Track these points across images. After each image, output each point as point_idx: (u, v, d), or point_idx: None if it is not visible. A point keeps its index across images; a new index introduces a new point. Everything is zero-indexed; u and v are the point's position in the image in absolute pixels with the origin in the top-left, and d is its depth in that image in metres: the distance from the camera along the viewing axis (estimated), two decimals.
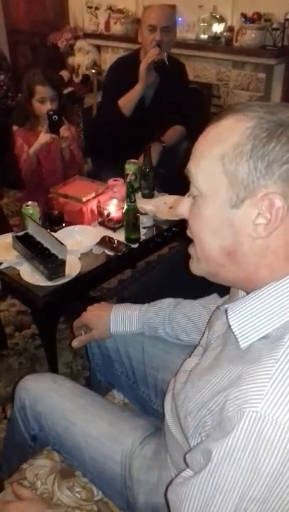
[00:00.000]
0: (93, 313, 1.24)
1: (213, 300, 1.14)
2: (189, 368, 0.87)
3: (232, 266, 0.70)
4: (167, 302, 1.19)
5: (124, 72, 2.47)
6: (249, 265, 0.69)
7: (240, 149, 0.64)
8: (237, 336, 0.68)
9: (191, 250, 0.77)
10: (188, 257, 0.79)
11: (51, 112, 2.15)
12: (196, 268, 0.77)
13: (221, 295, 1.15)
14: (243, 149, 0.64)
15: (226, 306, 0.72)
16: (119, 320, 1.19)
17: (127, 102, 2.44)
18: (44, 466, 1.06)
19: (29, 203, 1.82)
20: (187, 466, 0.71)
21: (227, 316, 0.70)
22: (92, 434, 1.02)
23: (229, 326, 0.69)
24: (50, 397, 1.09)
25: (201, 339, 0.95)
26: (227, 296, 1.04)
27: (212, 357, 0.76)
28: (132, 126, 2.48)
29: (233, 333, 0.68)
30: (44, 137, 2.20)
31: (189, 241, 0.78)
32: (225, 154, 0.65)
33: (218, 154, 0.66)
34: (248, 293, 0.72)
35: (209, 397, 0.68)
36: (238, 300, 0.71)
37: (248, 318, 0.67)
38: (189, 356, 0.96)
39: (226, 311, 0.71)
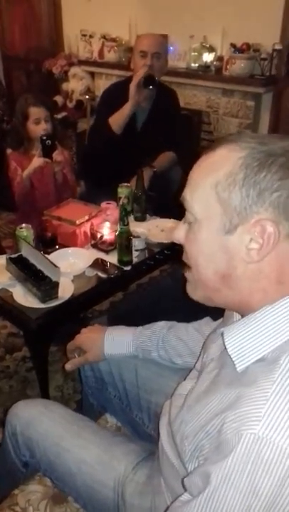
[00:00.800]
0: (87, 336, 1.24)
1: (206, 323, 1.16)
2: (185, 391, 0.88)
3: (227, 290, 0.73)
4: (161, 325, 1.20)
5: (117, 96, 2.53)
6: (243, 289, 0.71)
7: (233, 178, 0.67)
8: (233, 359, 0.69)
9: (187, 275, 0.79)
10: (184, 280, 0.80)
11: (44, 137, 2.19)
12: (193, 292, 0.79)
13: (214, 318, 1.16)
14: (235, 178, 0.67)
15: (222, 329, 0.73)
16: (113, 343, 1.19)
17: (117, 120, 2.49)
18: (36, 492, 1.05)
19: (23, 225, 1.84)
20: (185, 489, 0.71)
21: (223, 339, 0.71)
22: (85, 460, 1.01)
23: (225, 348, 0.70)
24: (41, 422, 1.08)
25: (196, 363, 0.96)
26: (220, 319, 1.05)
27: (208, 380, 0.77)
28: (124, 150, 2.53)
29: (229, 356, 0.69)
30: (37, 161, 2.23)
31: (182, 264, 0.80)
32: (218, 183, 0.68)
33: (212, 183, 0.69)
34: (243, 316, 0.73)
35: (206, 421, 0.68)
36: (233, 323, 0.72)
37: (243, 341, 0.68)
38: (184, 379, 0.96)
39: (222, 334, 0.72)
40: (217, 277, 0.72)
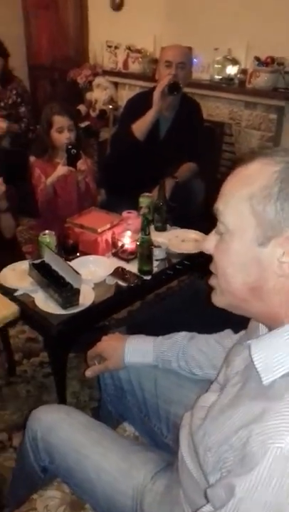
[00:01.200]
0: (108, 344, 1.25)
1: (227, 335, 1.16)
2: (207, 403, 0.88)
3: (256, 301, 0.73)
4: (181, 335, 1.20)
5: (141, 105, 2.56)
6: (272, 302, 0.71)
7: (268, 191, 0.68)
8: (260, 372, 0.69)
9: (212, 282, 0.80)
10: (209, 288, 0.81)
11: (70, 146, 2.23)
12: (219, 300, 0.80)
13: (235, 331, 1.16)
14: (271, 192, 0.68)
15: (249, 342, 0.74)
16: (134, 351, 1.20)
17: (140, 127, 2.52)
18: (54, 498, 1.06)
19: (46, 231, 1.86)
20: (207, 501, 0.71)
21: (250, 352, 0.71)
22: (104, 468, 1.01)
23: (252, 361, 0.71)
24: (62, 429, 1.09)
25: (217, 375, 0.96)
26: (242, 332, 1.05)
27: (232, 393, 0.77)
28: (146, 159, 2.55)
29: (255, 369, 0.70)
30: (62, 169, 2.26)
31: (208, 272, 0.81)
32: (253, 195, 0.70)
33: (247, 195, 0.70)
34: (270, 328, 0.74)
35: (231, 433, 0.68)
36: (261, 336, 0.73)
37: (271, 354, 0.69)
38: (206, 391, 0.96)
39: (249, 347, 0.72)
40: (246, 288, 0.73)
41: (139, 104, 2.60)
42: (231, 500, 0.62)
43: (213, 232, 0.78)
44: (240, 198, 0.71)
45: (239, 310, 0.79)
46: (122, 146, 2.69)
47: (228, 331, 1.17)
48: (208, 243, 0.79)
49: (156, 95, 2.44)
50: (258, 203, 0.69)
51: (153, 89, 2.61)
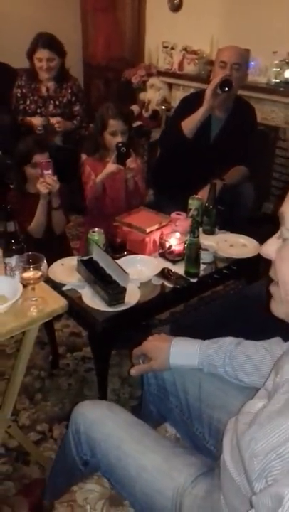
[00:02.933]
0: (153, 344, 1.25)
1: (276, 343, 1.13)
2: (254, 410, 0.86)
3: None
4: (229, 340, 1.19)
5: (193, 104, 2.54)
6: None
7: None
8: None
9: (272, 289, 0.77)
10: (268, 295, 0.79)
11: (120, 144, 2.24)
12: (278, 310, 0.78)
13: (285, 339, 1.14)
14: None
15: None
16: (179, 353, 1.20)
17: (189, 123, 2.50)
18: (94, 491, 1.07)
19: (95, 229, 1.89)
20: (251, 507, 0.70)
21: None
22: (145, 467, 1.02)
23: None
24: (105, 424, 1.10)
25: (265, 381, 0.94)
26: None
27: (282, 401, 0.76)
28: (196, 160, 2.54)
29: None
30: (111, 167, 2.28)
31: (269, 279, 0.78)
32: None
33: None
34: None
35: (280, 442, 0.67)
36: None
37: None
38: (251, 398, 0.95)
39: None
40: None
41: (192, 102, 2.58)
42: (279, 509, 0.61)
43: (276, 236, 0.76)
44: None
45: None
46: (170, 142, 2.68)
47: (277, 339, 1.15)
48: (269, 247, 0.76)
49: (208, 92, 2.42)
50: None
51: (202, 91, 2.60)
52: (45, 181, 2.10)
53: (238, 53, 2.50)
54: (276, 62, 3.20)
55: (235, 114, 2.63)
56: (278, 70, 3.19)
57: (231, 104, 2.61)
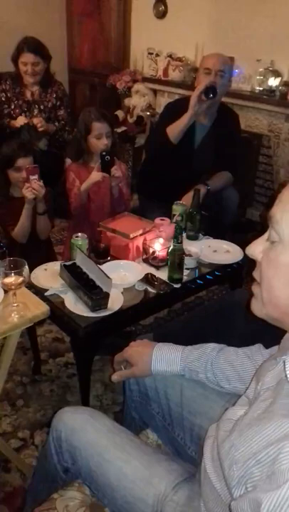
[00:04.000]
0: (136, 350, 1.24)
1: (257, 350, 1.14)
2: (234, 417, 0.87)
3: None
4: (211, 347, 1.19)
5: (178, 110, 2.56)
6: None
7: None
8: None
9: (254, 289, 0.77)
10: (250, 295, 0.79)
11: (104, 153, 2.24)
12: (259, 310, 0.77)
13: (266, 346, 1.15)
14: None
15: (284, 357, 0.72)
16: (161, 359, 1.19)
17: (174, 130, 2.52)
18: (74, 499, 1.06)
19: (79, 234, 1.88)
20: None
21: (285, 368, 0.70)
22: (126, 474, 1.01)
23: (286, 377, 0.69)
24: (86, 431, 1.09)
25: (247, 389, 0.94)
26: (274, 347, 1.04)
27: (262, 408, 0.76)
28: (180, 165, 2.56)
29: None
30: (96, 176, 2.27)
31: (250, 278, 0.78)
32: None
33: None
34: None
35: (259, 448, 0.67)
36: None
37: None
38: (233, 405, 0.95)
39: (284, 362, 0.71)
40: None
41: (177, 108, 2.60)
42: None
43: (263, 237, 0.75)
44: None
45: (278, 323, 0.76)
46: (155, 148, 2.69)
47: (258, 346, 1.15)
48: (255, 248, 0.76)
49: (193, 99, 2.45)
50: None
51: (186, 97, 2.62)
52: (32, 187, 2.09)
53: (222, 60, 2.53)
54: (260, 70, 3.24)
55: (219, 121, 2.66)
56: (262, 78, 3.23)
57: (215, 111, 2.63)
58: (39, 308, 1.35)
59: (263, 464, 0.65)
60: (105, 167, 2.25)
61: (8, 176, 2.23)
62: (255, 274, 0.76)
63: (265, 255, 0.74)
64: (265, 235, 0.75)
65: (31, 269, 1.75)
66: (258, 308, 0.77)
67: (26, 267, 1.28)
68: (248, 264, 0.79)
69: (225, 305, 1.76)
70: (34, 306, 1.35)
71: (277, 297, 0.72)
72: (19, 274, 1.27)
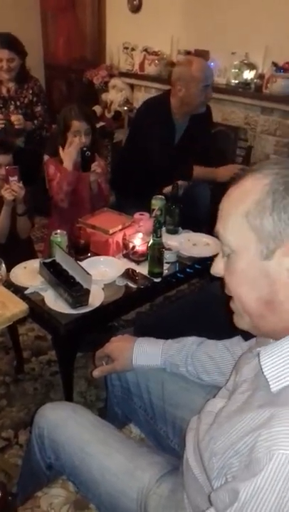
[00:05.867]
0: (116, 345, 1.25)
1: (237, 342, 1.15)
2: (214, 409, 0.88)
3: (271, 316, 0.73)
4: (191, 340, 1.20)
5: (158, 109, 2.58)
6: (287, 313, 0.71)
7: (262, 205, 0.69)
8: (268, 379, 0.69)
9: (232, 305, 0.80)
10: (230, 311, 0.81)
11: (84, 148, 2.23)
12: (241, 323, 0.80)
13: (245, 338, 1.16)
14: (264, 204, 0.69)
15: (259, 349, 0.74)
16: (142, 354, 1.20)
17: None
18: (59, 496, 1.06)
19: (58, 231, 1.87)
20: (211, 504, 0.71)
21: (259, 360, 0.71)
22: (109, 468, 1.02)
23: (261, 369, 0.70)
24: (68, 426, 1.09)
25: (227, 382, 0.96)
26: (252, 339, 1.05)
27: (241, 401, 0.77)
28: (159, 162, 2.56)
29: (264, 377, 0.70)
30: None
31: (227, 296, 0.81)
32: (248, 212, 0.71)
33: (242, 212, 0.71)
34: None
35: (237, 439, 0.68)
36: (270, 344, 0.72)
37: (280, 362, 0.69)
38: (213, 397, 0.96)
39: (259, 354, 0.72)
40: (260, 304, 0.73)
41: (156, 107, 2.61)
42: (235, 504, 0.63)
43: (220, 254, 0.79)
44: (237, 216, 0.72)
45: (260, 331, 0.79)
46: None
47: (237, 338, 1.16)
48: (217, 266, 0.80)
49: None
50: (254, 218, 0.70)
51: (166, 93, 2.62)
52: (11, 188, 2.07)
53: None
54: (235, 63, 3.26)
55: (195, 117, 2.67)
56: (237, 71, 3.24)
57: None
58: (18, 307, 1.34)
59: (241, 454, 0.66)
60: (85, 163, 2.24)
61: None
62: (226, 290, 0.80)
63: (225, 269, 0.78)
64: (221, 253, 0.79)
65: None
66: (239, 322, 0.80)
67: (3, 265, 1.27)
68: None
69: (204, 297, 1.77)
70: (13, 304, 1.34)
71: (248, 303, 0.75)
72: None
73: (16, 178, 2.07)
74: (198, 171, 2.61)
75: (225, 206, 0.76)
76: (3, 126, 3.03)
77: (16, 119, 3.07)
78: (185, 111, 2.58)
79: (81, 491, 1.07)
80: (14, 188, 2.07)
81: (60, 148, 2.36)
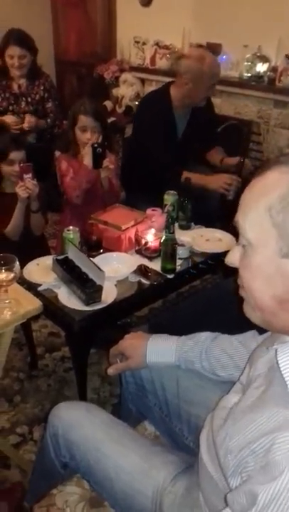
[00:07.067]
0: (130, 342, 1.24)
1: (251, 337, 1.14)
2: (229, 404, 0.87)
3: (284, 314, 0.71)
4: (205, 335, 1.19)
5: (158, 105, 2.57)
6: None
7: (287, 201, 0.67)
8: (286, 379, 0.67)
9: (242, 292, 0.78)
10: (240, 299, 0.79)
11: (96, 145, 2.22)
12: (251, 314, 0.78)
13: (260, 332, 1.14)
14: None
15: (276, 346, 0.72)
16: (156, 351, 1.19)
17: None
18: (74, 493, 1.06)
19: (70, 227, 1.87)
20: (227, 504, 0.70)
21: (276, 357, 0.70)
22: (124, 468, 1.01)
23: (278, 366, 0.69)
24: (83, 426, 1.09)
25: (240, 376, 0.94)
26: (267, 333, 1.03)
27: (255, 396, 0.76)
28: (167, 158, 2.54)
29: (280, 374, 0.68)
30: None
31: (237, 284, 0.79)
32: (272, 206, 0.68)
33: (265, 206, 0.69)
34: None
35: (253, 438, 0.67)
36: (288, 342, 0.71)
37: None
38: (227, 393, 0.95)
39: (276, 351, 0.71)
40: (274, 302, 0.71)
41: (156, 103, 2.60)
42: (254, 508, 0.61)
43: (237, 244, 0.77)
44: (259, 209, 0.70)
45: (270, 326, 0.77)
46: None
47: (252, 332, 1.15)
48: (233, 256, 0.78)
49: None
50: (277, 214, 0.67)
51: (167, 85, 2.59)
52: (25, 185, 2.07)
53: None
54: (247, 56, 3.21)
55: (197, 109, 2.65)
56: (250, 64, 3.20)
57: None
58: (32, 304, 1.34)
59: (257, 454, 0.66)
60: (97, 160, 2.23)
61: (1, 170, 2.21)
62: (239, 280, 0.78)
63: (241, 261, 0.76)
64: (239, 243, 0.77)
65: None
66: (250, 312, 0.78)
67: (17, 262, 1.26)
68: None
69: (218, 293, 1.76)
70: (27, 301, 1.34)
71: (260, 299, 0.73)
72: (10, 270, 1.25)
73: (30, 175, 2.07)
74: (189, 176, 2.59)
75: (247, 197, 0.73)
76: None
77: (28, 121, 3.08)
78: (186, 104, 2.57)
79: (96, 489, 1.07)
80: (28, 186, 2.07)
81: (79, 146, 2.35)
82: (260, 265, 0.71)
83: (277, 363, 0.70)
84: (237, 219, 0.74)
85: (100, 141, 2.29)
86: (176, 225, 2.12)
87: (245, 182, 0.77)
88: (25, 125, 3.10)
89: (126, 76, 3.99)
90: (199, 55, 2.50)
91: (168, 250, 1.79)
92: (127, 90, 3.95)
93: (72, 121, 2.33)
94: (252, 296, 0.75)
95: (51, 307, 1.62)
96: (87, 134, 2.30)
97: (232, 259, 0.78)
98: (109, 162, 2.28)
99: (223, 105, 3.43)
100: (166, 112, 2.56)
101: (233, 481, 0.72)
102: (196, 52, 2.57)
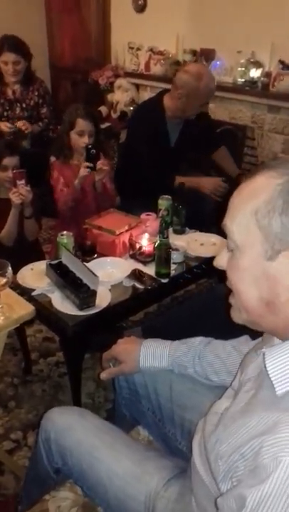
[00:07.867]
0: (123, 347, 1.24)
1: (244, 342, 1.14)
2: (220, 410, 0.87)
3: (271, 316, 0.72)
4: (198, 340, 1.19)
5: (151, 114, 2.57)
6: (288, 315, 0.70)
7: (273, 205, 0.68)
8: (274, 382, 0.68)
9: (231, 300, 0.79)
10: (228, 304, 0.81)
11: (90, 146, 2.23)
12: (238, 317, 0.80)
13: (253, 337, 1.15)
14: (275, 205, 0.68)
15: (264, 350, 0.73)
16: (149, 355, 1.19)
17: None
18: (66, 499, 1.05)
19: (64, 232, 1.87)
20: (217, 509, 0.70)
21: (264, 360, 0.70)
22: (117, 473, 1.01)
23: (266, 370, 0.69)
24: (76, 431, 1.08)
25: (232, 381, 0.95)
26: (259, 338, 1.04)
27: (245, 400, 0.76)
28: (160, 166, 2.55)
29: (269, 378, 0.69)
30: (83, 171, 2.26)
31: (227, 288, 0.80)
32: (258, 210, 0.69)
33: (252, 210, 0.70)
34: (285, 340, 0.72)
35: (242, 442, 0.67)
36: (276, 345, 0.72)
37: (286, 364, 0.67)
38: (219, 398, 0.95)
39: (264, 355, 0.71)
40: (260, 304, 0.73)
41: (150, 112, 2.61)
42: (243, 511, 0.62)
43: (226, 248, 0.78)
44: (246, 213, 0.71)
45: (257, 326, 0.78)
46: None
47: (245, 337, 1.15)
48: (221, 259, 0.79)
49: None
50: (263, 217, 0.69)
51: (160, 94, 2.61)
52: (19, 191, 2.07)
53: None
54: (241, 61, 3.23)
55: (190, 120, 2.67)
56: (243, 69, 3.22)
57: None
58: (24, 309, 1.33)
59: (246, 457, 0.66)
60: (90, 161, 2.24)
61: None
62: (227, 283, 0.79)
63: (228, 263, 0.77)
64: (227, 246, 0.78)
65: None
66: (236, 315, 0.80)
67: (10, 268, 1.26)
68: None
69: (212, 297, 1.76)
70: (19, 306, 1.34)
71: (247, 301, 0.75)
72: (2, 275, 1.25)
73: (23, 181, 2.07)
74: (182, 180, 2.60)
75: (235, 201, 0.75)
76: (12, 130, 3.05)
77: (22, 124, 3.08)
78: (178, 115, 2.59)
79: (89, 495, 1.06)
80: (22, 192, 2.07)
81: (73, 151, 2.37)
82: (246, 268, 0.72)
83: (265, 366, 0.70)
84: (225, 222, 0.76)
85: (93, 142, 2.30)
86: (171, 229, 2.12)
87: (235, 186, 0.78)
88: (23, 128, 3.08)
89: (121, 82, 4.01)
90: (197, 71, 2.48)
91: (162, 255, 1.80)
92: (122, 96, 3.96)
93: (69, 125, 2.34)
94: (239, 298, 0.76)
95: (45, 312, 1.62)
96: (84, 138, 2.31)
97: (220, 262, 0.79)
98: (103, 164, 2.28)
99: (218, 110, 3.45)
100: (158, 121, 2.57)
101: (224, 486, 0.72)
102: (194, 68, 2.54)
